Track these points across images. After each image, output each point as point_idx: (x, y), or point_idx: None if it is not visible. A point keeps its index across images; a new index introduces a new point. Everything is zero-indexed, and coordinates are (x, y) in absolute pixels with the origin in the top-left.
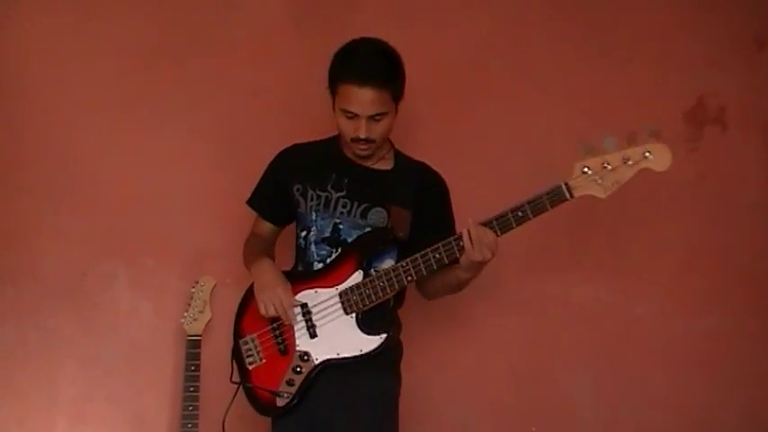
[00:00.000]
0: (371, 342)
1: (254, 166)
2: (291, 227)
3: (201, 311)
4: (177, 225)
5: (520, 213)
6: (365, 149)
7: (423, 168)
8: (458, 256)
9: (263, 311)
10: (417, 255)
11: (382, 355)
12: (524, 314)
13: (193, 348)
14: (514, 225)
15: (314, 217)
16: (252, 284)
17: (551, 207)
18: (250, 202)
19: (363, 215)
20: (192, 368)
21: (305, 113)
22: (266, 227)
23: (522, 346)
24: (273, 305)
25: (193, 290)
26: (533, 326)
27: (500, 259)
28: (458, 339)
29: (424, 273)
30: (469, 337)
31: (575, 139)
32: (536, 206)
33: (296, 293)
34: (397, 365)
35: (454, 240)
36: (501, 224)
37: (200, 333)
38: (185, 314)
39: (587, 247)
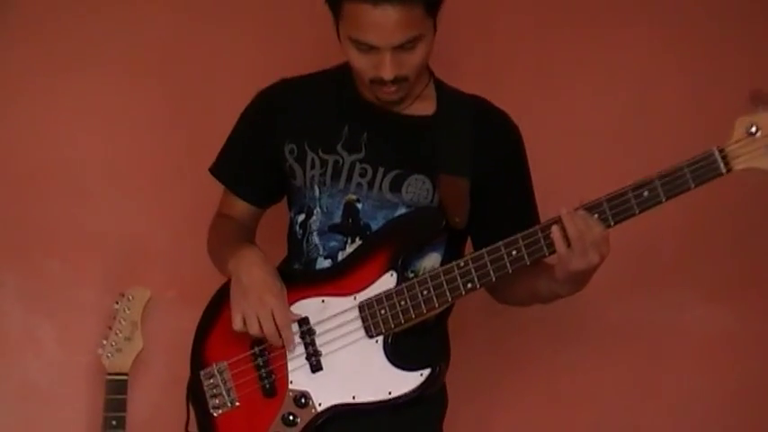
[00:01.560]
0: (406, 381)
1: (213, 124)
2: (279, 207)
3: (129, 339)
4: (95, 212)
5: (646, 193)
6: (393, 93)
7: (484, 109)
8: (546, 253)
9: (238, 326)
10: (483, 251)
11: (422, 402)
12: (614, 350)
13: (116, 393)
14: (637, 211)
15: (317, 193)
16: (223, 286)
17: (695, 185)
18: (215, 171)
19: (395, 188)
20: (114, 422)
21: (295, 35)
22: (240, 208)
23: (612, 396)
24: (259, 319)
25: (117, 307)
26: (628, 367)
27: None
28: (514, 383)
29: (493, 278)
30: (531, 381)
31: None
32: (672, 183)
33: (291, 303)
34: (440, 420)
35: (541, 231)
36: (616, 209)
37: (126, 370)
38: (105, 342)
39: (709, 254)
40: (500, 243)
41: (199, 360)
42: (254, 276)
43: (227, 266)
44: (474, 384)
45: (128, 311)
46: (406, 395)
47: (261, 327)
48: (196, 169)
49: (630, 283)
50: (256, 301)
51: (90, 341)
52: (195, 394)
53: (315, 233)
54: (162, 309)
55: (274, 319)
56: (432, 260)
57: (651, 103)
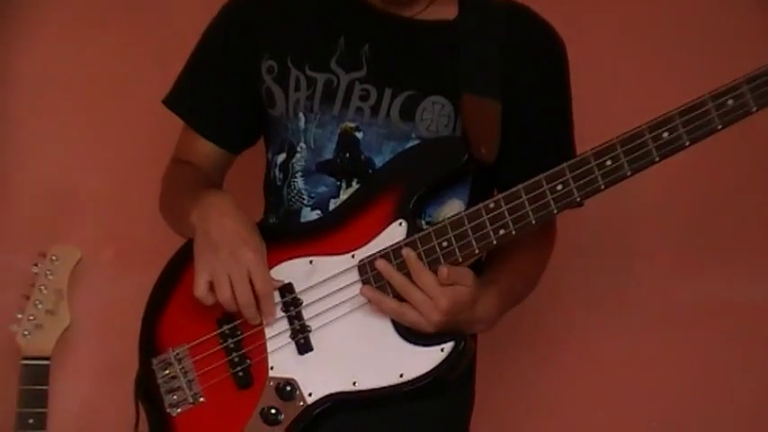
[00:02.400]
0: (423, 359)
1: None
2: (254, 154)
3: (52, 312)
4: (14, 153)
5: (710, 107)
6: None
7: (519, 14)
8: (602, 186)
9: (201, 292)
10: (518, 187)
11: (443, 393)
12: (660, 333)
13: (34, 382)
14: (686, 142)
15: (302, 122)
16: (183, 247)
17: (757, 108)
18: (171, 102)
19: (406, 114)
20: (31, 420)
21: None
22: (203, 152)
23: (662, 388)
24: (231, 283)
25: (37, 270)
26: (677, 352)
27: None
28: (551, 370)
29: (533, 220)
30: (570, 370)
31: None
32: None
33: (270, 266)
34: (465, 420)
35: (594, 158)
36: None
37: (47, 353)
38: (20, 317)
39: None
40: (540, 176)
41: (150, 344)
42: (227, 228)
43: (190, 219)
44: (503, 379)
45: (51, 277)
46: (422, 378)
47: (233, 293)
48: (145, 98)
49: (679, 258)
50: (228, 257)
51: (1, 316)
52: (147, 389)
53: (299, 176)
54: (95, 274)
55: (251, 283)
56: (452, 207)
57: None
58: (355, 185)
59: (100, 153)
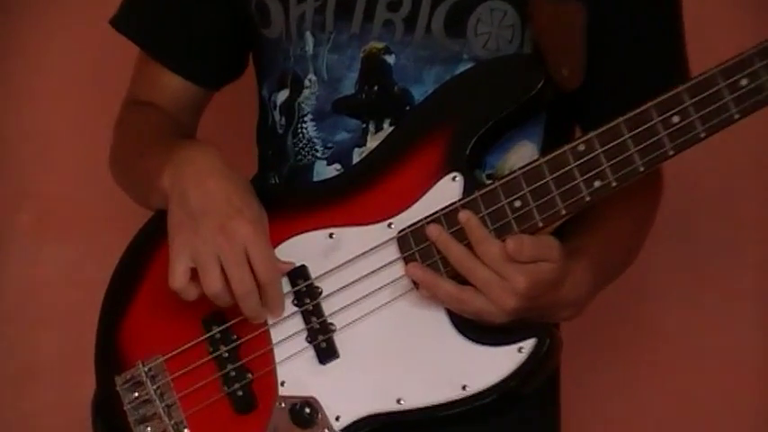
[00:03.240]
0: (494, 364)
1: None
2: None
3: None
4: None
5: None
6: None
7: None
8: (734, 116)
9: (179, 282)
10: (618, 120)
11: (522, 406)
12: None
13: None
14: (733, 109)
15: (309, 46)
16: (152, 219)
17: None
18: (120, 23)
19: (454, 26)
20: None
21: None
22: (170, 86)
23: None
24: (222, 266)
25: None
26: None
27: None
28: (649, 375)
29: (640, 167)
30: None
31: None
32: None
33: (275, 243)
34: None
35: (722, 77)
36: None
37: None
38: None
39: None
40: (648, 104)
41: (112, 356)
42: (212, 192)
43: (159, 182)
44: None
45: None
46: (494, 389)
47: (225, 281)
48: None
49: None
50: (216, 232)
51: None
52: (108, 417)
53: (309, 119)
54: (12, 243)
55: (250, 265)
56: (521, 154)
57: None
58: (388, 128)
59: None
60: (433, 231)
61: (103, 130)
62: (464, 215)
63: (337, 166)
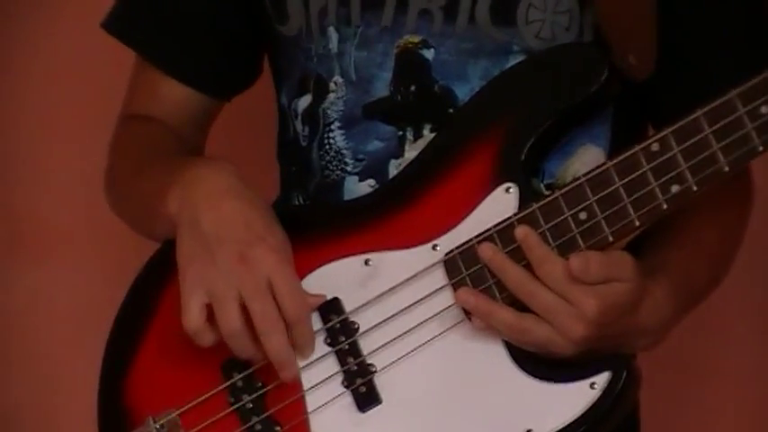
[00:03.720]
0: (563, 402)
1: None
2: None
3: None
4: None
5: None
6: None
7: None
8: None
9: (194, 322)
10: (696, 113)
11: None
12: None
13: None
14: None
15: (333, 43)
16: (160, 251)
17: None
18: (114, 26)
19: (501, 13)
20: None
21: None
22: (173, 97)
23: None
24: (243, 301)
25: None
26: None
27: None
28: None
29: (725, 167)
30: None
31: None
32: None
33: (303, 274)
34: None
35: None
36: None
37: None
38: None
39: None
40: (731, 93)
41: (117, 413)
42: (227, 216)
43: (165, 207)
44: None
45: None
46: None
47: (246, 319)
48: None
49: None
50: (234, 262)
51: None
52: None
53: (336, 128)
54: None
55: (275, 300)
56: (585, 159)
57: None
58: (428, 135)
59: None
60: (487, 251)
61: (86, 146)
62: (521, 231)
63: (371, 181)
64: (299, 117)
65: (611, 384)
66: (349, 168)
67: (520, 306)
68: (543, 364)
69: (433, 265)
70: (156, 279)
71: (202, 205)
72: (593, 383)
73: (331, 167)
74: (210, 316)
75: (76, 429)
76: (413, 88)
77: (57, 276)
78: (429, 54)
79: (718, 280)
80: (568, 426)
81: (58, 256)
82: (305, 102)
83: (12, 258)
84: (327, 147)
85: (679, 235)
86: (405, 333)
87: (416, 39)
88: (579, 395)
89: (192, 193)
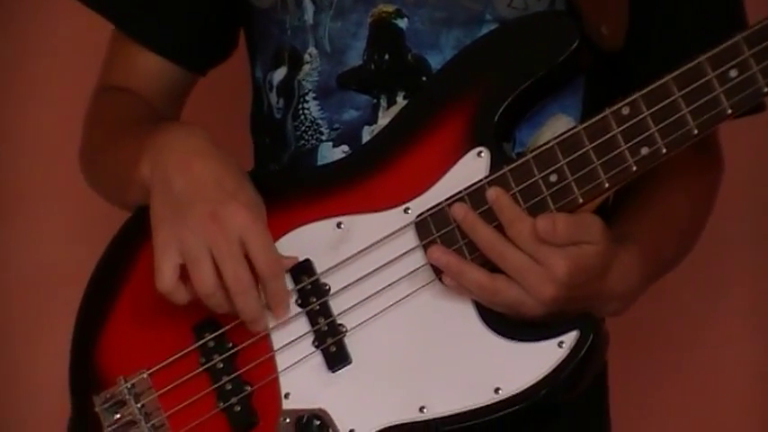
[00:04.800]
0: (530, 362)
1: None
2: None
3: None
4: None
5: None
6: None
7: None
8: None
9: (166, 282)
10: (665, 77)
11: (561, 403)
12: None
13: None
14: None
15: (308, 14)
16: (134, 216)
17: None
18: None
19: None
20: None
21: None
22: (149, 68)
23: None
24: (215, 260)
25: None
26: None
27: None
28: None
29: (694, 130)
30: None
31: None
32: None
33: (277, 236)
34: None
35: None
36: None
37: None
38: None
39: None
40: (700, 57)
41: (88, 374)
42: (199, 175)
43: (138, 171)
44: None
45: None
46: (531, 392)
47: (219, 278)
48: None
49: None
50: (207, 220)
51: None
52: None
53: (311, 98)
54: None
55: (247, 258)
56: (557, 129)
57: None
58: (401, 102)
59: None
60: (459, 211)
61: (41, 110)
62: (493, 192)
63: (345, 147)
64: (274, 89)
65: (578, 343)
66: (324, 137)
67: (490, 268)
68: (512, 325)
69: (404, 226)
70: (131, 241)
71: (173, 167)
72: (560, 342)
73: (306, 137)
74: (183, 275)
75: (41, 388)
76: (386, 57)
77: (21, 234)
78: (402, 23)
79: (686, 251)
80: (536, 383)
81: (23, 214)
82: (280, 74)
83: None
84: (302, 117)
85: (649, 205)
86: (375, 294)
87: (390, 8)
88: (547, 354)
89: (164, 156)
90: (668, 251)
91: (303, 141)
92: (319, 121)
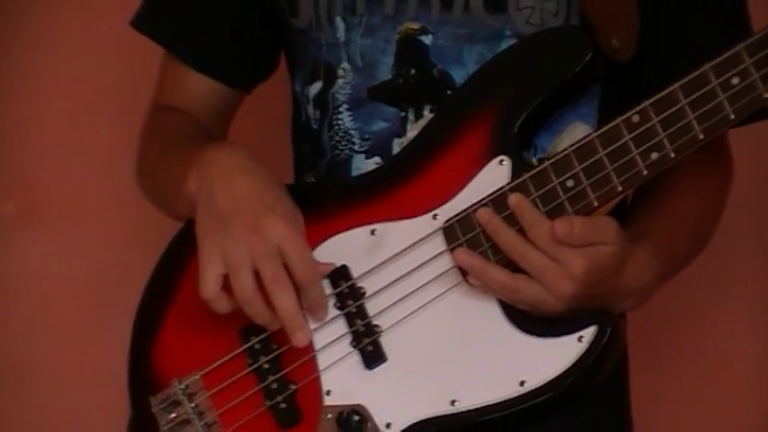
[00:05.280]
0: (553, 356)
1: None
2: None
3: None
4: None
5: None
6: None
7: None
8: None
9: (210, 290)
10: (673, 85)
11: (584, 394)
12: None
13: None
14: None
15: (341, 32)
16: (183, 229)
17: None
18: (143, 23)
19: (493, 3)
20: None
21: None
22: (197, 88)
23: None
24: (257, 268)
25: None
26: None
27: None
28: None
29: (700, 135)
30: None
31: None
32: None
33: (313, 244)
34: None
35: None
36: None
37: None
38: None
39: None
40: (705, 66)
41: (146, 377)
42: (240, 190)
43: (186, 187)
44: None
45: None
46: (554, 384)
47: (259, 285)
48: None
49: None
50: (247, 232)
51: None
52: None
53: (344, 110)
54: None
55: (286, 267)
56: (574, 136)
57: None
58: (428, 115)
59: None
60: (484, 215)
61: (95, 120)
62: (514, 198)
63: (377, 159)
64: (311, 102)
65: (597, 337)
66: (356, 147)
67: (513, 269)
68: (535, 321)
69: (433, 232)
70: (180, 254)
71: (217, 183)
72: (580, 337)
73: (340, 147)
74: (227, 285)
75: (90, 388)
76: (413, 72)
77: (68, 243)
78: (428, 40)
79: (699, 249)
80: (559, 376)
81: (71, 223)
82: (316, 88)
83: (27, 226)
84: (336, 128)
85: (663, 206)
86: (407, 295)
87: (416, 26)
88: (568, 348)
89: (208, 173)
90: (682, 249)
91: (338, 151)
92: (352, 132)
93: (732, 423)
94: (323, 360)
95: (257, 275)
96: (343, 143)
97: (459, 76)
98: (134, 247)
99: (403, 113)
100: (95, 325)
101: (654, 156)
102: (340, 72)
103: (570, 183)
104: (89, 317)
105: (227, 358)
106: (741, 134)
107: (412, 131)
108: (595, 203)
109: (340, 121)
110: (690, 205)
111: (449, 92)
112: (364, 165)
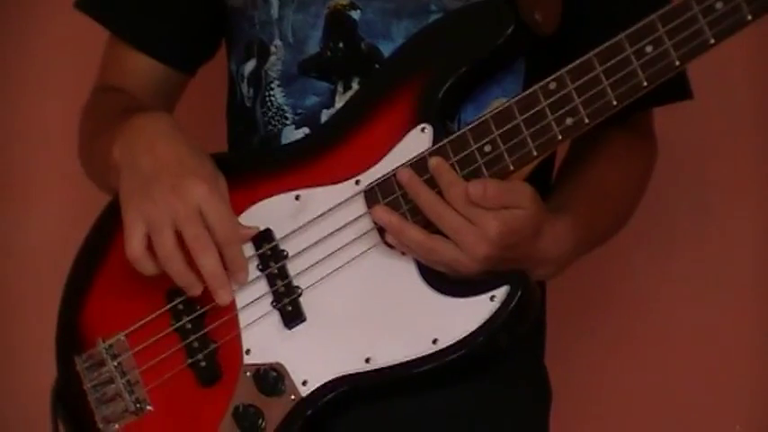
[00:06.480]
0: (465, 314)
1: None
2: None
3: None
4: None
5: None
6: None
7: None
8: (710, 41)
9: (135, 250)
10: (588, 55)
11: (498, 354)
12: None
13: None
14: (707, 33)
15: (274, 9)
16: (113, 200)
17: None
18: (84, 4)
19: None
20: None
21: None
22: (140, 68)
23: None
24: (177, 228)
25: None
26: None
27: None
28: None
29: (613, 100)
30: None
31: None
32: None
33: (239, 211)
34: (543, 411)
35: (697, 3)
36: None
37: None
38: None
39: None
40: (620, 36)
41: (71, 336)
42: (161, 154)
43: (112, 156)
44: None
45: None
46: (467, 341)
47: (180, 244)
48: None
49: None
50: (168, 194)
51: None
52: (67, 401)
53: (276, 86)
54: None
55: (207, 226)
56: (492, 102)
57: None
58: (357, 87)
59: None
60: (404, 175)
61: (57, 98)
62: (433, 161)
63: (305, 129)
64: (245, 80)
65: (508, 297)
66: (287, 121)
67: (432, 231)
68: (450, 282)
69: (354, 195)
70: (109, 222)
71: (140, 147)
72: (492, 296)
73: (273, 123)
74: (151, 246)
75: (37, 355)
76: (341, 45)
77: (28, 219)
78: (356, 15)
79: (617, 227)
80: (470, 334)
81: (30, 201)
82: (250, 66)
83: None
84: (269, 104)
85: (585, 182)
86: (327, 257)
87: (345, 1)
88: (480, 307)
89: (132, 138)
90: (601, 225)
91: (270, 126)
92: (284, 107)
93: (676, 389)
94: (243, 319)
95: (179, 236)
96: (276, 119)
97: (387, 50)
98: (78, 226)
99: (332, 86)
100: (46, 294)
101: (569, 121)
102: (272, 49)
103: (488, 147)
104: (34, 293)
105: (150, 318)
106: (676, 109)
107: (340, 102)
108: (511, 167)
109: (273, 98)
110: (612, 184)
111: (377, 66)
112: (293, 135)
